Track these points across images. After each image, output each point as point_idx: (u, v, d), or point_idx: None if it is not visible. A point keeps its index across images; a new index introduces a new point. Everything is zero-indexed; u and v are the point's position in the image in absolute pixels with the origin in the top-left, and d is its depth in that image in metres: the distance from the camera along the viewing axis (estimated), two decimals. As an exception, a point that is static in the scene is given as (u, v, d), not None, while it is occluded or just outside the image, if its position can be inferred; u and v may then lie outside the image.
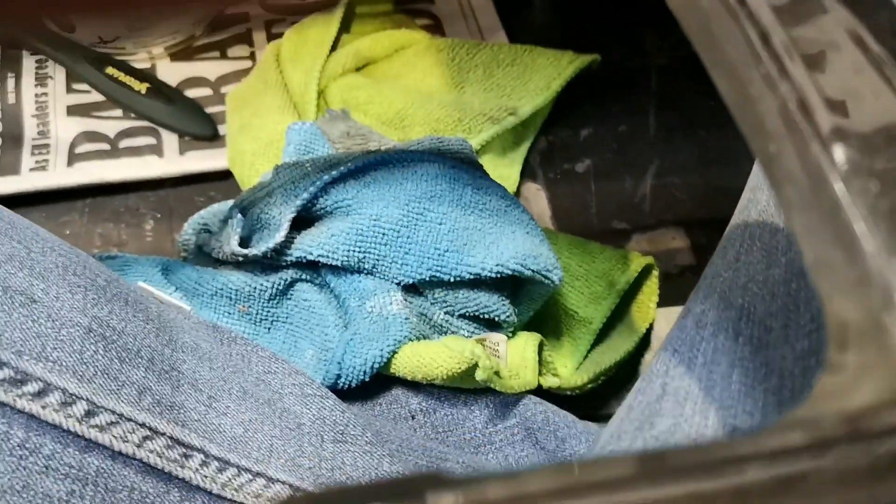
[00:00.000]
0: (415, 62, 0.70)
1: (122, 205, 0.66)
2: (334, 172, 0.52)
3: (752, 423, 0.32)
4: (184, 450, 0.38)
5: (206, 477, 0.39)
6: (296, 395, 0.45)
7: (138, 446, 0.37)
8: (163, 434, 0.38)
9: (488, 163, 0.69)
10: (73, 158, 0.67)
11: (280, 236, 0.51)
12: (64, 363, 0.37)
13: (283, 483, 0.40)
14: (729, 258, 0.39)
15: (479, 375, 0.47)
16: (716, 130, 0.73)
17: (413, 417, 0.52)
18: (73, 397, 0.37)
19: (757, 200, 0.41)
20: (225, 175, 0.67)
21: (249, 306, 0.54)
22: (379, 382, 0.52)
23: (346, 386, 0.51)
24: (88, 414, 0.37)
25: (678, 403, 0.35)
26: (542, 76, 0.70)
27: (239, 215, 0.53)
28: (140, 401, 0.38)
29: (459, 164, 0.55)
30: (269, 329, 0.55)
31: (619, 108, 0.74)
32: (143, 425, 0.38)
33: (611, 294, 0.60)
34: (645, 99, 0.75)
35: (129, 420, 0.38)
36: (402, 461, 0.45)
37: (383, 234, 0.51)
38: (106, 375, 0.38)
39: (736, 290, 0.37)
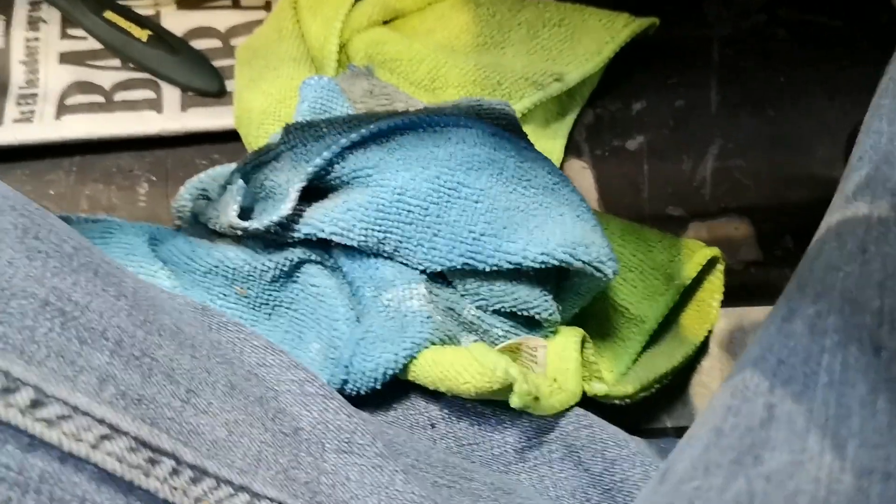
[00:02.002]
0: (450, 17, 0.61)
1: (113, 164, 0.59)
2: (354, 136, 0.44)
3: None
4: (150, 454, 0.31)
5: (175, 489, 0.31)
6: (294, 393, 0.37)
7: (94, 447, 0.29)
8: (125, 433, 0.30)
9: (529, 135, 0.60)
10: (62, 110, 0.60)
11: (287, 208, 0.44)
12: (9, 340, 0.29)
13: (272, 501, 0.32)
14: (850, 249, 0.31)
15: (515, 403, 0.39)
16: (787, 109, 0.64)
17: (433, 426, 0.44)
18: (17, 382, 0.29)
19: (886, 176, 0.32)
20: (231, 136, 0.59)
21: (248, 288, 0.46)
22: (394, 385, 0.44)
23: (355, 392, 0.43)
24: (35, 404, 0.29)
25: (795, 434, 0.27)
26: (592, 39, 0.62)
27: (240, 181, 0.45)
28: (100, 391, 0.31)
29: (501, 132, 0.47)
30: (269, 316, 0.47)
31: (677, 81, 0.66)
32: (101, 421, 0.30)
33: (669, 289, 0.52)
34: (706, 72, 0.66)
35: (85, 414, 0.30)
36: (419, 479, 0.37)
37: (409, 212, 0.43)
38: (61, 358, 0.30)
39: (868, 290, 0.29)
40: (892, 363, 0.27)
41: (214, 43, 0.64)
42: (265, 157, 0.46)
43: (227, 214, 0.44)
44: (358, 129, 0.44)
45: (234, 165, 0.49)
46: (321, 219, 0.44)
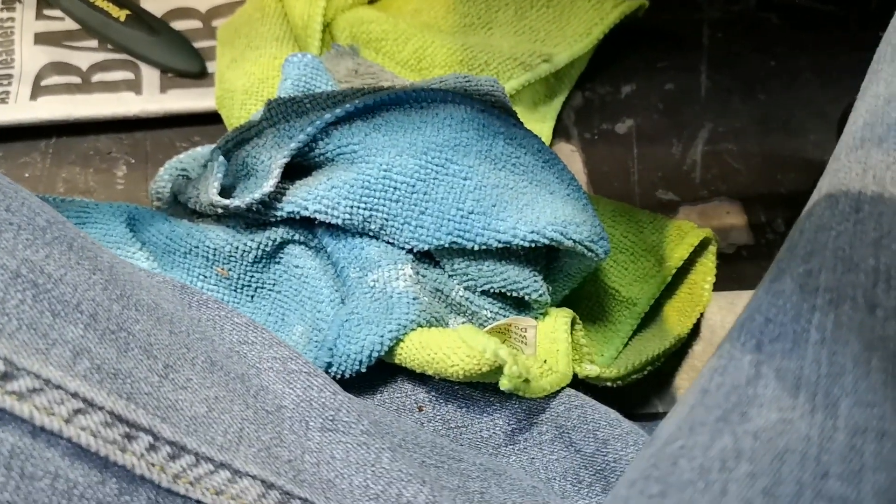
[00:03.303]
0: (437, -4, 0.60)
1: (91, 147, 0.57)
2: (338, 111, 0.43)
3: None
4: (126, 428, 0.29)
5: (153, 465, 0.29)
6: (277, 370, 0.36)
7: (67, 421, 0.28)
8: (100, 407, 0.29)
9: (517, 117, 0.60)
10: (37, 91, 0.58)
11: (269, 185, 0.42)
12: None
13: (254, 478, 0.31)
14: (843, 209, 0.30)
15: (505, 385, 0.38)
16: (778, 93, 0.63)
17: (420, 409, 0.43)
18: None
19: (882, 137, 0.31)
20: (212, 118, 0.58)
21: (229, 269, 0.44)
22: (380, 367, 0.43)
23: (339, 375, 0.42)
24: (5, 377, 0.27)
25: (785, 392, 0.25)
26: (581, 21, 0.61)
27: (222, 158, 0.44)
28: (74, 365, 0.29)
29: (490, 109, 0.45)
30: (251, 298, 0.45)
31: (667, 64, 0.65)
32: (74, 395, 0.28)
33: (660, 271, 0.50)
34: (696, 55, 0.65)
35: (58, 388, 0.28)
36: (406, 458, 0.36)
37: (395, 189, 0.42)
38: (33, 331, 0.29)
39: (862, 248, 0.28)
40: (888, 321, 0.26)
41: (195, 24, 0.62)
42: (247, 134, 0.45)
43: (208, 192, 0.43)
44: (343, 105, 0.43)
45: (228, 133, 0.48)
46: (305, 196, 0.43)
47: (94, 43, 0.61)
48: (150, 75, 0.59)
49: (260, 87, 0.54)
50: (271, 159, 0.43)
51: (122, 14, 0.60)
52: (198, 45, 0.60)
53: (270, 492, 0.31)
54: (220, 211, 0.43)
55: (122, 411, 0.29)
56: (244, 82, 0.55)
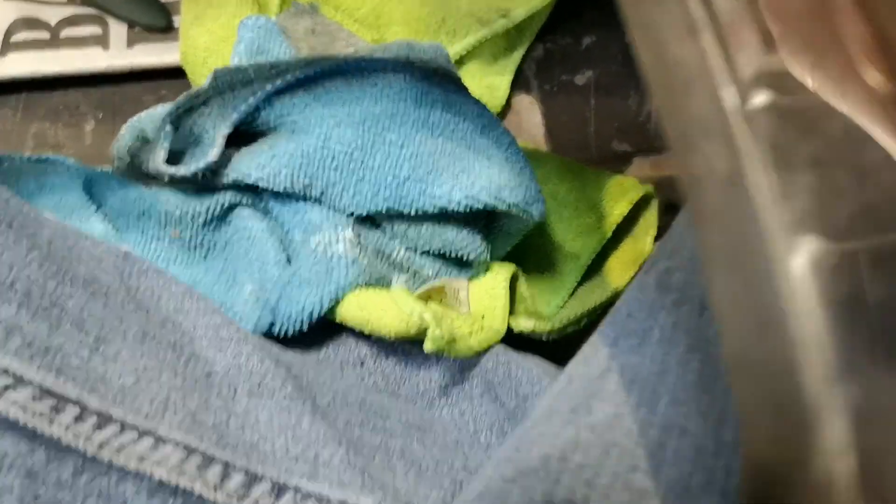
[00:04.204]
0: (396, -49, 0.61)
1: (60, 102, 0.59)
2: (279, 82, 0.45)
3: (703, 429, 0.26)
4: (55, 401, 0.32)
5: (79, 435, 0.32)
6: (209, 337, 0.38)
7: None
8: (29, 382, 0.32)
9: (476, 70, 0.61)
10: (7, 48, 0.60)
11: (213, 155, 0.44)
12: None
13: (177, 443, 0.34)
14: None
15: (428, 347, 0.41)
16: (738, 43, 0.64)
17: (362, 364, 0.46)
18: None
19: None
20: (178, 72, 0.59)
21: (181, 231, 0.47)
22: (326, 324, 0.46)
23: (283, 334, 0.44)
24: None
25: (623, 387, 0.28)
26: (541, -27, 0.62)
27: (168, 127, 0.46)
28: (6, 342, 0.32)
29: (431, 77, 0.47)
30: (204, 257, 0.48)
31: (630, 13, 0.65)
32: (5, 371, 0.31)
33: (602, 226, 0.52)
34: (660, 3, 0.66)
35: None
36: (329, 419, 0.38)
37: (333, 158, 0.44)
38: None
39: None
40: (711, 324, 0.28)
41: (162, -24, 0.63)
42: (195, 102, 0.46)
43: (155, 160, 0.45)
44: (284, 76, 0.45)
45: (178, 99, 0.50)
46: (248, 165, 0.45)
47: (63, -4, 0.62)
48: (117, 30, 0.61)
49: (221, 46, 0.56)
50: (216, 129, 0.45)
51: (89, -32, 0.61)
52: (165, -2, 0.62)
53: (192, 456, 0.34)
54: (166, 178, 0.45)
55: (50, 385, 0.32)
56: (206, 40, 0.56)
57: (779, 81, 0.16)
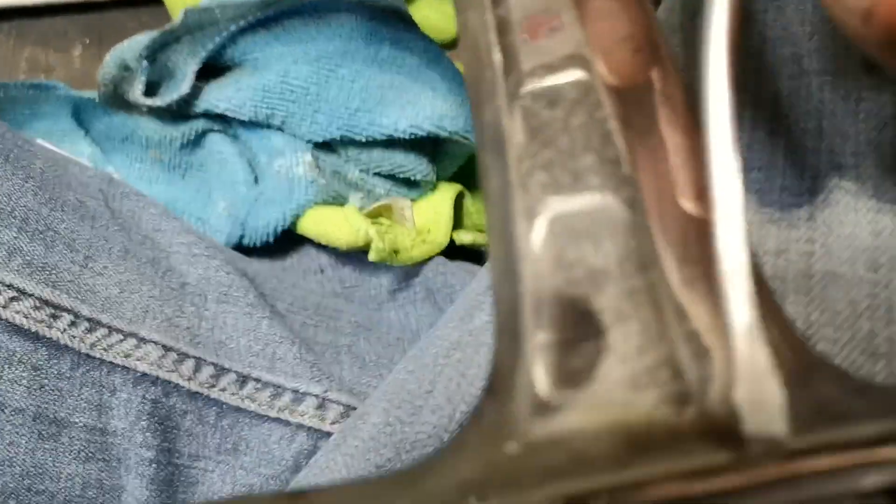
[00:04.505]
0: None
1: (49, 28, 0.64)
2: (242, 23, 0.50)
3: None
4: (52, 310, 0.39)
5: (73, 337, 0.39)
6: (183, 253, 0.45)
7: (4, 307, 0.38)
8: (31, 295, 0.38)
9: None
10: (-2, -24, 0.64)
11: (185, 88, 0.50)
12: None
13: (156, 343, 0.41)
14: None
15: (372, 257, 0.47)
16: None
17: (322, 272, 0.53)
18: None
19: None
20: (158, -1, 0.64)
21: (161, 153, 0.53)
22: (292, 237, 0.52)
23: (252, 245, 0.51)
24: None
25: (489, 302, 0.34)
26: None
27: (145, 62, 0.51)
28: (9, 262, 0.38)
29: (380, 15, 0.52)
30: (182, 176, 0.54)
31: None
32: (10, 286, 0.38)
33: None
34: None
35: None
36: (286, 321, 0.45)
37: (291, 91, 0.50)
38: None
39: None
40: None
41: None
42: (168, 38, 0.52)
43: (134, 92, 0.51)
44: (246, 17, 0.50)
45: (154, 34, 0.55)
46: (217, 97, 0.50)
47: (48, -75, 0.66)
48: (100, -42, 0.65)
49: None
50: (186, 64, 0.50)
51: None
52: (144, -74, 0.66)
53: (169, 353, 0.41)
54: (144, 108, 0.51)
55: (48, 297, 0.39)
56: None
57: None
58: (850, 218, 0.26)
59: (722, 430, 0.16)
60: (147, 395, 0.40)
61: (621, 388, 0.17)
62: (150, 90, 0.52)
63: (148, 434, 0.40)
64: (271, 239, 0.51)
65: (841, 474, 0.15)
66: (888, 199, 0.26)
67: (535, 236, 0.19)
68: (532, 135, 0.20)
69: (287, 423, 0.42)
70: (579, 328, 0.18)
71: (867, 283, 0.25)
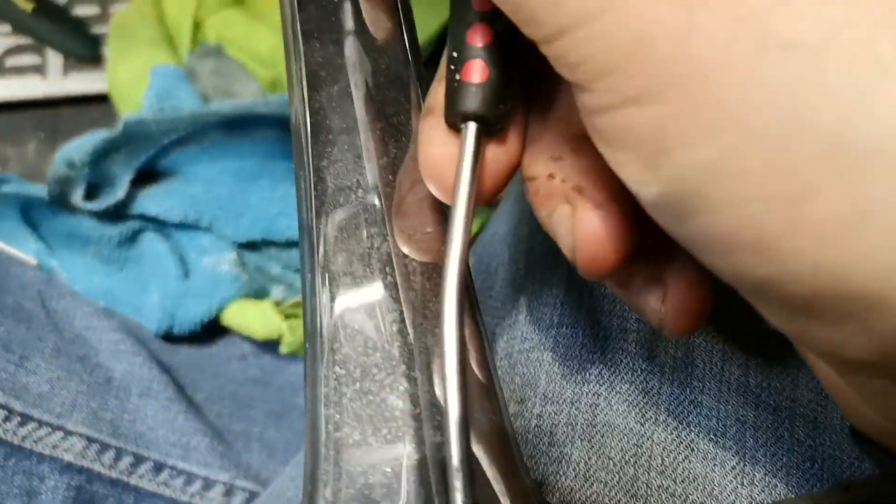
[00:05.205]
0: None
1: (6, 123, 0.70)
2: (174, 136, 0.56)
3: None
4: None
5: (7, 430, 0.44)
6: (111, 350, 0.50)
7: None
8: None
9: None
10: (-41, 74, 0.70)
11: (120, 194, 0.56)
12: None
13: (81, 435, 0.46)
14: None
15: (283, 350, 0.53)
16: None
17: (245, 358, 0.58)
18: None
19: None
20: (109, 97, 0.70)
21: (100, 250, 0.58)
22: (218, 326, 0.58)
23: (181, 334, 0.56)
24: None
25: None
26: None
27: (86, 170, 0.57)
28: None
29: (301, 127, 0.58)
30: (121, 269, 0.59)
31: None
32: None
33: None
34: None
35: None
36: (201, 413, 0.50)
37: (217, 199, 0.55)
38: None
39: None
40: None
41: (94, 9, 0.73)
42: (110, 145, 0.57)
43: (75, 196, 0.56)
44: (178, 130, 0.56)
45: (97, 141, 0.61)
46: (149, 203, 0.56)
47: (7, 28, 0.72)
48: (54, 59, 0.71)
49: (139, 83, 0.66)
50: (123, 172, 0.56)
51: (28, 5, 0.71)
52: (97, 30, 0.72)
53: (93, 444, 0.46)
54: (86, 210, 0.57)
55: None
56: (127, 76, 0.67)
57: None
58: (628, 376, 0.31)
59: None
60: (72, 482, 0.45)
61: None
62: (92, 193, 0.58)
63: (73, 517, 0.45)
64: (198, 329, 0.56)
65: None
66: (658, 362, 0.31)
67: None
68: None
69: (198, 508, 0.47)
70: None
71: (636, 434, 0.30)
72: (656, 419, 0.30)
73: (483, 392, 0.25)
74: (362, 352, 0.25)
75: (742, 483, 0.29)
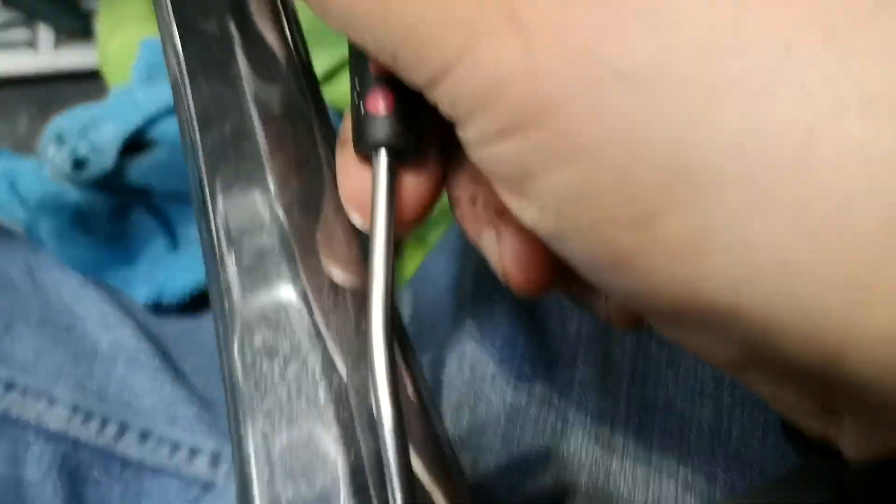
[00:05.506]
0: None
1: (-2, 98, 0.70)
2: (161, 106, 0.55)
3: None
4: None
5: None
6: (98, 321, 0.50)
7: None
8: None
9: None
10: (-50, 49, 0.70)
11: (109, 165, 0.55)
12: None
13: (66, 403, 0.46)
14: None
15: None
16: None
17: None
18: None
19: None
20: (100, 72, 0.69)
21: (90, 221, 0.58)
22: (206, 300, 0.57)
23: (170, 305, 0.56)
24: None
25: None
26: None
27: (75, 139, 0.56)
28: None
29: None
30: (110, 240, 0.59)
31: None
32: None
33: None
34: None
35: None
36: (188, 384, 0.50)
37: (204, 169, 0.55)
38: None
39: None
40: None
41: (85, -17, 0.73)
42: (97, 117, 0.57)
43: (64, 167, 0.56)
44: (164, 100, 0.55)
45: (86, 112, 0.60)
46: (138, 172, 0.56)
47: (-1, 2, 0.72)
48: (45, 33, 0.71)
49: (129, 58, 0.66)
50: (111, 144, 0.56)
51: (18, -24, 0.70)
52: (88, 5, 0.71)
53: (78, 412, 0.46)
54: (75, 180, 0.56)
55: None
56: (117, 50, 0.66)
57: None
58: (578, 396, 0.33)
59: None
60: (58, 450, 0.45)
61: None
62: (80, 163, 0.57)
63: (58, 484, 0.45)
64: (186, 299, 0.56)
65: None
66: (611, 380, 0.33)
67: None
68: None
69: (184, 476, 0.47)
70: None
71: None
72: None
73: (415, 404, 0.24)
74: (286, 399, 0.24)
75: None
